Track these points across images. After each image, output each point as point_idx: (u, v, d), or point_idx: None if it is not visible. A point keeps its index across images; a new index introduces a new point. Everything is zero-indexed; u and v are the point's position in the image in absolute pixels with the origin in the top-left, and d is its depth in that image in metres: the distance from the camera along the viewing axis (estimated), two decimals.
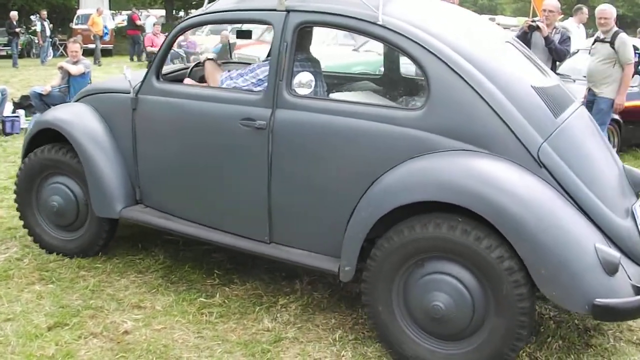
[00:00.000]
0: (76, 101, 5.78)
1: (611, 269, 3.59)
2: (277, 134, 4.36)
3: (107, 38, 24.92)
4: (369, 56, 13.12)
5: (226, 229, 4.76)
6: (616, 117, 9.34)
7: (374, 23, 4.13)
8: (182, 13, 45.18)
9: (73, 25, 31.32)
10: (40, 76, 19.53)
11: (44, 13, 28.14)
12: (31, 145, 5.69)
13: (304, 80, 4.45)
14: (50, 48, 27.82)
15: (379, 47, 14.02)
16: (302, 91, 4.42)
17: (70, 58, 11.56)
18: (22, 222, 5.77)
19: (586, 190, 3.88)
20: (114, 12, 39.06)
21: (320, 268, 4.33)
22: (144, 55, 25.54)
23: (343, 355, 4.18)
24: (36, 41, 28.05)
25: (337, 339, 4.36)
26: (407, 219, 3.90)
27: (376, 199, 4.01)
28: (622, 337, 4.53)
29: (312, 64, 4.89)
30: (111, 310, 4.66)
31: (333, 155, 4.22)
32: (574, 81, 10.00)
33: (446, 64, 3.94)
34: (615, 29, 8.64)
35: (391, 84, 5.79)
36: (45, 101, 11.21)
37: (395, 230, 3.92)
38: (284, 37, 4.37)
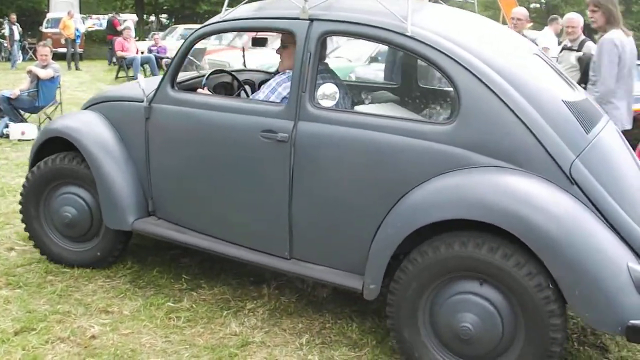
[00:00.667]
0: (85, 108, 5.62)
1: None
2: (299, 147, 4.21)
3: (78, 41, 24.71)
4: (339, 62, 13.10)
5: (244, 244, 4.63)
6: None
7: (403, 34, 3.99)
8: (152, 18, 45.11)
9: (43, 29, 31.01)
10: (9, 80, 19.34)
11: (13, 17, 27.85)
12: (38, 154, 5.52)
13: (327, 92, 4.33)
14: (20, 52, 27.55)
15: (349, 54, 14.13)
16: (325, 103, 4.29)
17: (40, 62, 11.51)
18: None
19: (617, 207, 3.74)
20: (84, 15, 38.80)
21: (343, 285, 4.21)
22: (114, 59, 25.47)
23: (310, 359, 4.21)
24: (5, 45, 27.79)
25: (304, 343, 4.38)
26: (436, 237, 3.81)
27: (405, 216, 3.89)
28: (587, 341, 4.61)
29: (333, 75, 4.79)
30: (79, 315, 4.66)
31: (358, 170, 4.07)
32: None
33: (477, 76, 3.81)
34: (583, 37, 8.75)
35: (411, 95, 5.67)
36: (14, 105, 11.18)
37: (430, 246, 3.81)
38: (308, 46, 4.22)
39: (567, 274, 3.48)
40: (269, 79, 4.94)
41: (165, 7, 43.72)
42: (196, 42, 4.89)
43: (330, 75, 4.75)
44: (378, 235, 3.99)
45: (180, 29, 29.70)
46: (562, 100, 3.92)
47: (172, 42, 23.96)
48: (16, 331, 4.40)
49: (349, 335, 4.51)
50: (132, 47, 21.79)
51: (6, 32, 27.06)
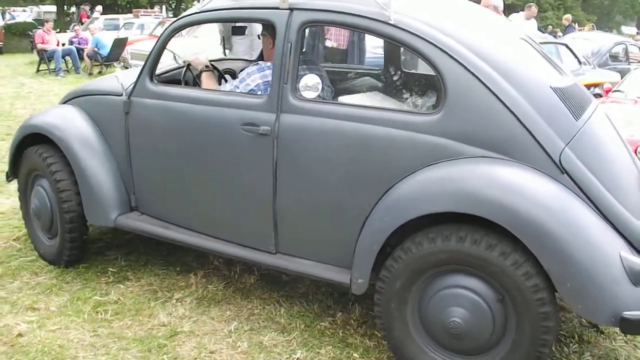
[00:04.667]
0: (64, 102, 5.57)
1: (638, 279, 3.40)
2: (282, 140, 4.11)
3: None
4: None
5: (229, 239, 4.54)
6: None
7: (386, 22, 3.85)
8: (73, 9, 44.29)
9: None
10: None
11: None
12: (18, 150, 5.50)
13: (310, 83, 4.20)
14: None
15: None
16: (308, 94, 4.17)
17: None
18: None
19: (609, 195, 3.61)
20: (2, 8, 37.94)
21: (331, 280, 4.11)
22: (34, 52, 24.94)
23: (239, 346, 4.24)
24: None
25: (232, 330, 4.42)
26: (422, 231, 3.71)
27: (391, 209, 3.78)
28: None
29: (316, 65, 4.73)
30: (4, 313, 4.61)
31: (343, 162, 3.95)
32: None
33: (463, 65, 3.68)
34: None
35: (395, 81, 5.61)
36: None
37: (412, 242, 3.71)
38: (288, 37, 4.10)
39: (558, 266, 3.37)
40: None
41: None
42: (174, 34, 4.79)
43: (313, 65, 4.69)
44: (365, 229, 3.90)
45: (102, 19, 29.16)
46: (551, 87, 3.80)
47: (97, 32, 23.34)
48: None
49: (277, 320, 4.56)
50: (53, 39, 21.42)
51: None
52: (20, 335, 4.33)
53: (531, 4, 13.76)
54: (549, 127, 3.60)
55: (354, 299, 4.75)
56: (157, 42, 4.84)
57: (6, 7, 42.33)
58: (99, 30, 23.03)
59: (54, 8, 42.99)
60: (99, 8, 32.05)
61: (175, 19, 4.98)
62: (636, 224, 3.65)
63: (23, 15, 45.04)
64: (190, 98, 4.57)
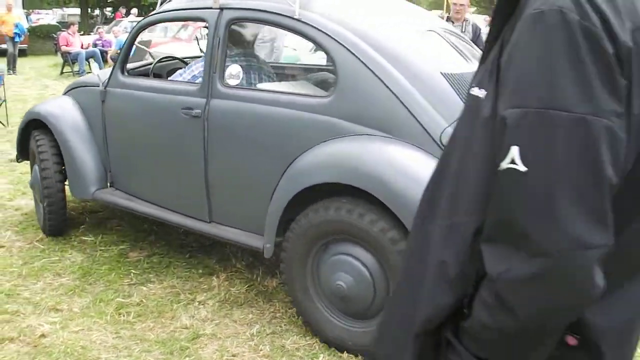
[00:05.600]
0: (65, 93, 6.31)
1: None
2: (211, 121, 4.67)
3: (17, 40, 24.02)
4: (286, 52, 13.08)
5: (175, 209, 5.14)
6: None
7: (291, 17, 4.34)
8: (97, 11, 44.59)
9: None
10: None
11: None
12: (24, 133, 6.32)
13: (233, 72, 4.80)
14: None
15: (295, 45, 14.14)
16: (232, 82, 4.76)
17: None
18: None
19: None
20: (27, 11, 38.15)
21: (249, 245, 4.58)
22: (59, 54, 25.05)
23: (261, 349, 4.23)
24: None
25: (254, 333, 4.41)
26: (321, 201, 4.12)
27: (290, 180, 4.25)
28: None
29: (247, 58, 5.19)
30: (27, 313, 4.63)
31: (258, 140, 4.46)
32: None
33: (354, 54, 4.10)
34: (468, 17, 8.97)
35: (312, 70, 6.27)
36: None
37: (304, 214, 4.18)
38: (217, 32, 4.68)
39: None
40: None
41: (109, 1, 43.27)
42: (140, 32, 5.64)
43: (245, 58, 5.19)
44: (272, 199, 4.35)
45: (125, 21, 29.31)
46: (441, 73, 4.09)
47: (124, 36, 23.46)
48: None
49: (299, 324, 4.53)
50: (77, 42, 21.53)
51: None
52: (43, 336, 4.34)
53: None
54: (432, 108, 3.92)
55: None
56: (126, 40, 5.68)
57: (31, 10, 42.58)
58: (122, 33, 23.12)
59: (78, 11, 43.26)
60: (134, 11, 32.41)
61: (139, 19, 5.79)
62: None
63: (47, 17, 45.37)
64: (147, 87, 5.27)
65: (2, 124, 11.45)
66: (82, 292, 4.96)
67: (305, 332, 4.43)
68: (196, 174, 4.82)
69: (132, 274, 5.26)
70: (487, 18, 12.65)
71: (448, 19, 8.84)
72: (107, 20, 42.74)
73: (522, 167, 1.26)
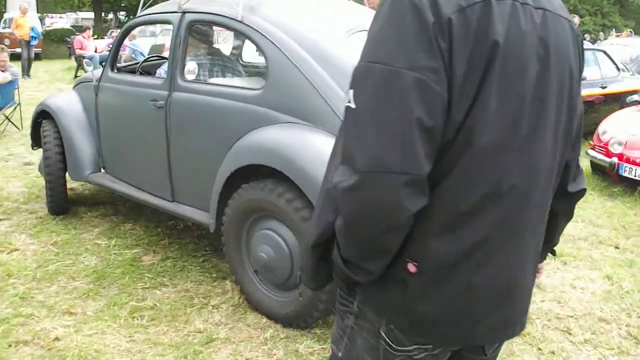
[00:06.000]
0: (73, 89, 6.97)
1: None
2: (171, 112, 5.22)
3: (33, 43, 24.09)
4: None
5: (146, 190, 5.78)
6: None
7: (235, 19, 4.82)
8: (110, 15, 44.73)
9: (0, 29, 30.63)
10: None
11: None
12: (36, 123, 7.02)
13: (190, 68, 5.31)
14: None
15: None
16: (189, 77, 5.27)
17: None
18: None
19: None
20: (40, 15, 38.34)
21: (202, 222, 5.07)
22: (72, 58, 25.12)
23: (275, 354, 4.23)
24: None
25: (268, 337, 4.41)
26: (252, 181, 4.58)
27: (227, 163, 4.68)
28: (550, 325, 4.69)
29: (204, 56, 5.73)
30: (41, 317, 4.64)
31: (207, 127, 4.97)
32: None
33: (282, 51, 4.53)
34: None
35: (256, 69, 6.80)
36: None
37: (237, 192, 4.64)
38: (179, 33, 5.23)
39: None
40: None
41: (123, 5, 43.41)
42: (126, 34, 6.37)
43: (204, 56, 5.71)
44: (215, 180, 4.79)
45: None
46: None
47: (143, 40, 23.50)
48: None
49: (313, 328, 4.53)
50: (91, 46, 21.60)
51: None
52: (57, 339, 4.34)
53: (574, 14, 13.68)
54: None
55: None
56: (115, 41, 6.40)
57: (44, 14, 42.78)
58: (136, 37, 23.18)
59: (91, 14, 43.45)
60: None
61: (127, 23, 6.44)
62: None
63: (61, 21, 45.57)
64: (127, 82, 5.92)
65: (17, 127, 11.50)
66: (96, 296, 4.96)
67: (319, 337, 4.43)
68: (161, 158, 5.38)
69: (145, 278, 5.27)
70: None
71: None
72: (120, 24, 42.83)
73: (353, 105, 1.62)
